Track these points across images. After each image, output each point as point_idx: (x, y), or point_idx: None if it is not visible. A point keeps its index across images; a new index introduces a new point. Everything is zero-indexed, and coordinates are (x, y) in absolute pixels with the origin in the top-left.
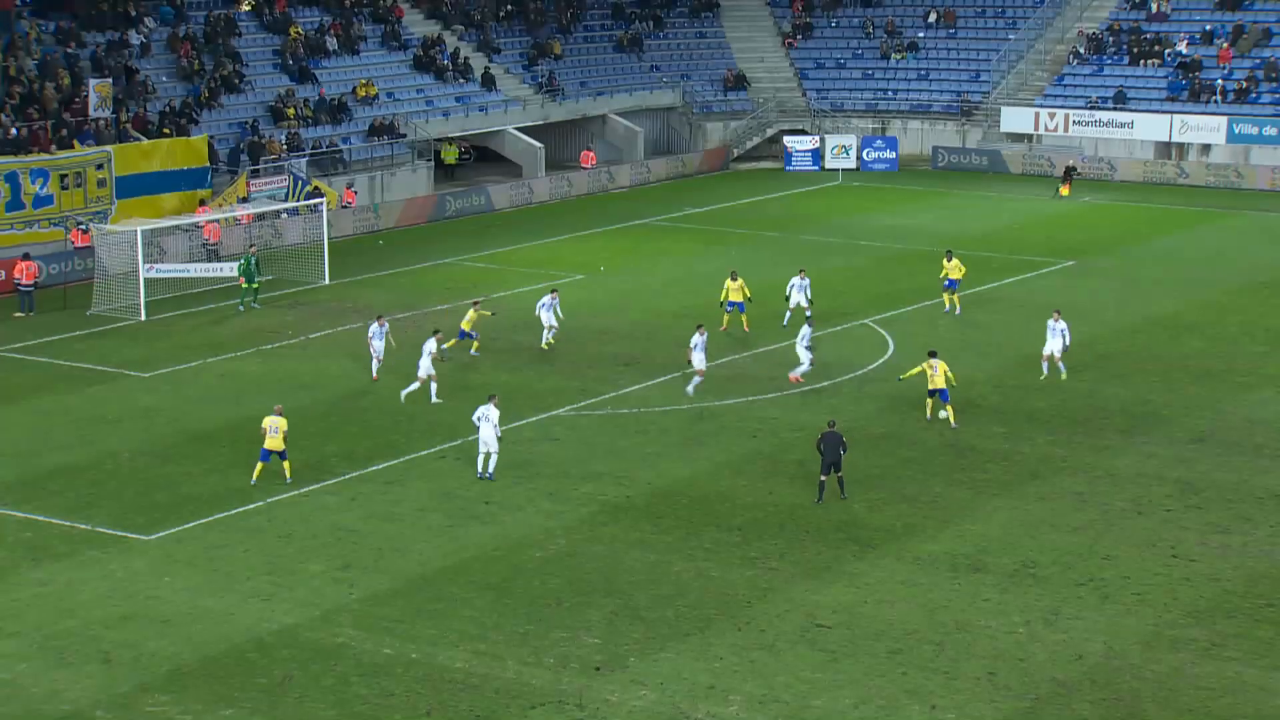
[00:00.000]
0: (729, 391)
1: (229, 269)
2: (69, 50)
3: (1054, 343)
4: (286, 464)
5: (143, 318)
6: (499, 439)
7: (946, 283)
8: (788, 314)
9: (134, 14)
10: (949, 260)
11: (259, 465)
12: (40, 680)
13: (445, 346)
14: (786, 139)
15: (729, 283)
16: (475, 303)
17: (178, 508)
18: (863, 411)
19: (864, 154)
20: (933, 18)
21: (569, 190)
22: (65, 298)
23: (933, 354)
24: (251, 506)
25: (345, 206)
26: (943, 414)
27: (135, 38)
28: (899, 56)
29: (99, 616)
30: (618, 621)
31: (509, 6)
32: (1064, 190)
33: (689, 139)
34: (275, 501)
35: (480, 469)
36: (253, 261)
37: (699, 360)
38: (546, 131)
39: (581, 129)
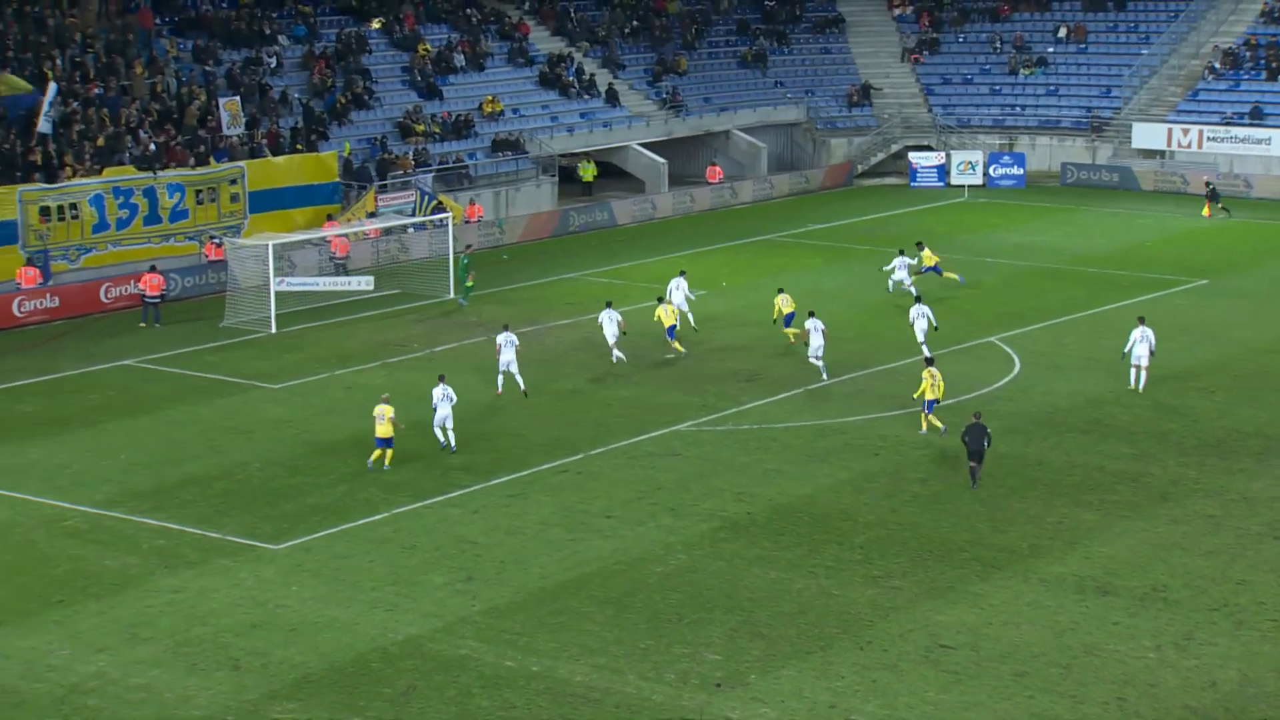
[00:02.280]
0: (851, 409)
1: (357, 282)
2: (206, 68)
3: (1141, 350)
4: (389, 453)
5: (273, 330)
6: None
7: (925, 269)
8: (892, 283)
9: (268, 32)
10: (921, 250)
11: (376, 451)
12: (173, 686)
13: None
14: (911, 155)
15: (779, 298)
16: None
17: (305, 518)
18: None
19: (991, 170)
20: (1063, 33)
21: (691, 206)
22: (199, 310)
23: (930, 361)
24: (377, 518)
25: (468, 222)
26: (936, 424)
27: (268, 56)
28: (1028, 72)
29: (229, 624)
30: (738, 638)
31: (634, 23)
32: (1206, 211)
33: (812, 155)
34: (400, 513)
35: (443, 442)
36: (464, 262)
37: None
38: (670, 147)
39: (705, 145)
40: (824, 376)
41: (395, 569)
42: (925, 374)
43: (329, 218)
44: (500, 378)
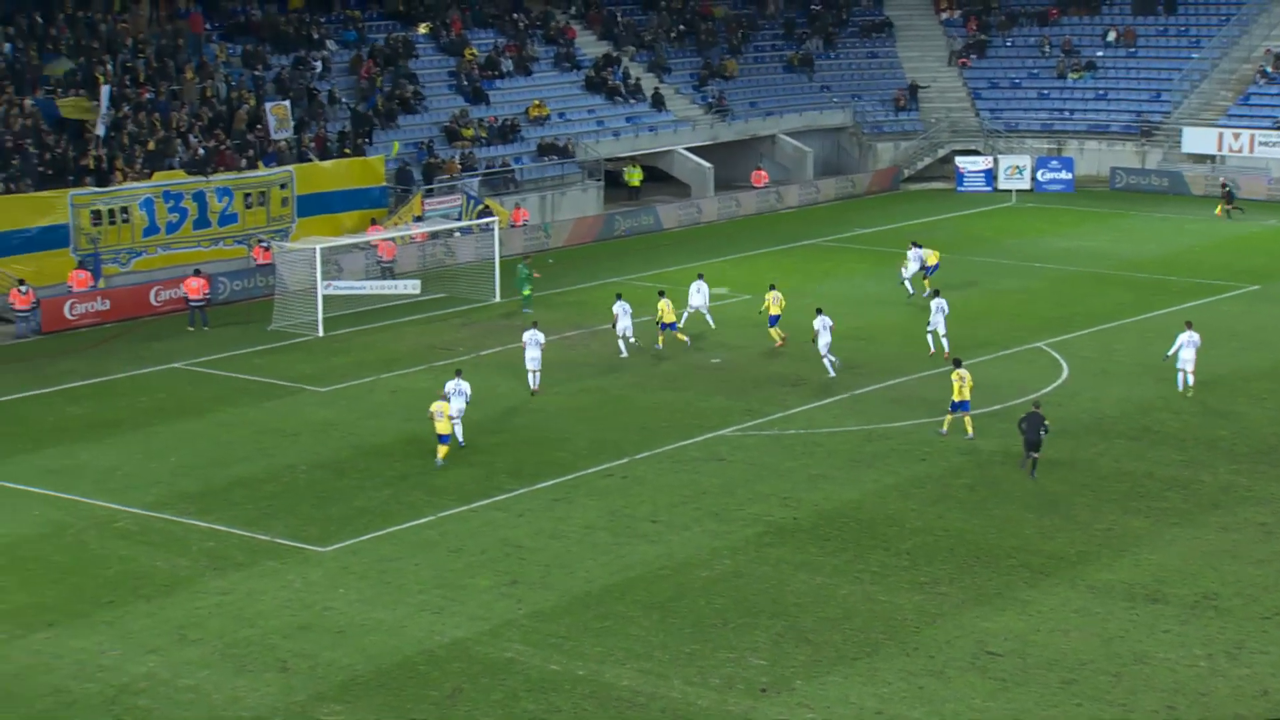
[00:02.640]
0: (897, 413)
1: (404, 286)
2: (255, 73)
3: (1188, 354)
4: (445, 449)
5: (320, 334)
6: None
7: (927, 270)
8: (908, 285)
9: (317, 36)
10: (917, 248)
11: (441, 448)
12: (221, 687)
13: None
14: (959, 159)
15: (769, 295)
16: (661, 293)
17: (352, 520)
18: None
19: (1039, 175)
20: (1112, 36)
21: (737, 210)
22: (247, 313)
23: (958, 362)
24: (423, 521)
25: (514, 226)
26: (964, 430)
27: (316, 60)
28: (1076, 76)
29: (277, 626)
30: (784, 643)
31: (680, 27)
32: (1219, 210)
33: (859, 159)
34: (445, 516)
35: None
36: (525, 273)
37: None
38: (715, 152)
39: (750, 149)
40: (832, 373)
41: (441, 572)
42: (954, 376)
43: (373, 222)
44: (530, 376)
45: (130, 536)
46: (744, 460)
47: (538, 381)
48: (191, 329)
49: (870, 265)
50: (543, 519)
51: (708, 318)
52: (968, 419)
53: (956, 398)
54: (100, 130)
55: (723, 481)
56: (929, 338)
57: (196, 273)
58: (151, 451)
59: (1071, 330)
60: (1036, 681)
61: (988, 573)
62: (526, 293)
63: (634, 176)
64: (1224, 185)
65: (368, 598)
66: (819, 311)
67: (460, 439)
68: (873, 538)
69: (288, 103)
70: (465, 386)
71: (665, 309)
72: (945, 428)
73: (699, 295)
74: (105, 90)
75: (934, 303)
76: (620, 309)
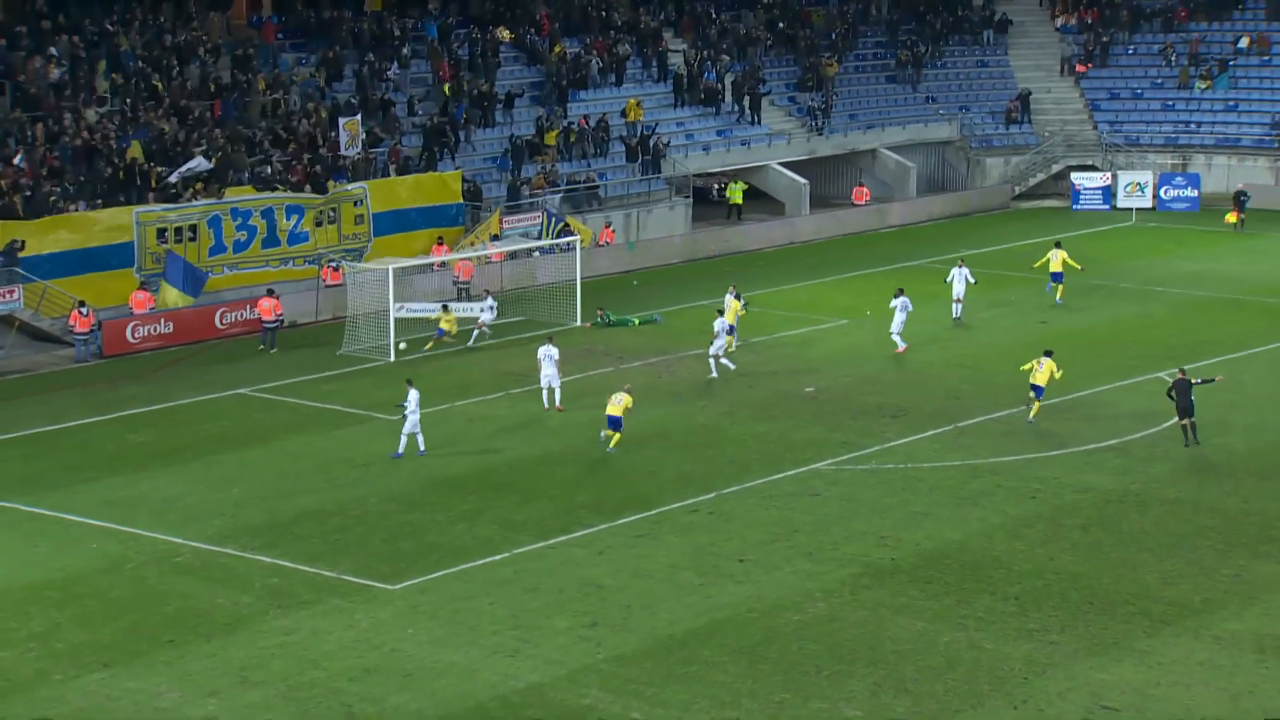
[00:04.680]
0: (1005, 448)
1: (479, 309)
2: (327, 86)
3: None
4: (617, 435)
5: (392, 359)
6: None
7: (1053, 275)
8: (956, 306)
9: (395, 38)
10: (1056, 248)
11: (614, 435)
12: None
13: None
14: (1074, 176)
15: (732, 302)
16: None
17: (423, 556)
18: (1155, 473)
19: (1162, 192)
20: (1244, 43)
21: (835, 229)
22: (317, 337)
23: (1048, 353)
24: (498, 558)
25: (602, 245)
26: (1031, 414)
27: (394, 69)
28: (1204, 85)
29: (342, 668)
30: (881, 693)
31: (780, 27)
32: (1230, 218)
33: (966, 175)
34: (521, 553)
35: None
36: (607, 319)
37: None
38: (811, 167)
39: (849, 164)
40: (726, 368)
41: (516, 612)
42: (1038, 361)
43: (439, 241)
44: (545, 395)
45: (191, 572)
46: (839, 496)
47: (559, 399)
48: (262, 349)
49: (977, 289)
50: (624, 557)
51: (733, 335)
52: (1036, 404)
53: (1033, 380)
54: (174, 177)
55: (816, 519)
56: (895, 338)
57: (270, 292)
58: (214, 482)
59: (1197, 359)
60: None
61: (1103, 620)
62: (637, 321)
63: (736, 193)
64: (1239, 194)
65: (438, 639)
66: (900, 292)
67: (420, 448)
68: (978, 581)
69: (358, 117)
70: (414, 397)
71: (733, 307)
72: (1033, 415)
73: (728, 312)
74: (198, 161)
75: (897, 301)
76: (720, 326)
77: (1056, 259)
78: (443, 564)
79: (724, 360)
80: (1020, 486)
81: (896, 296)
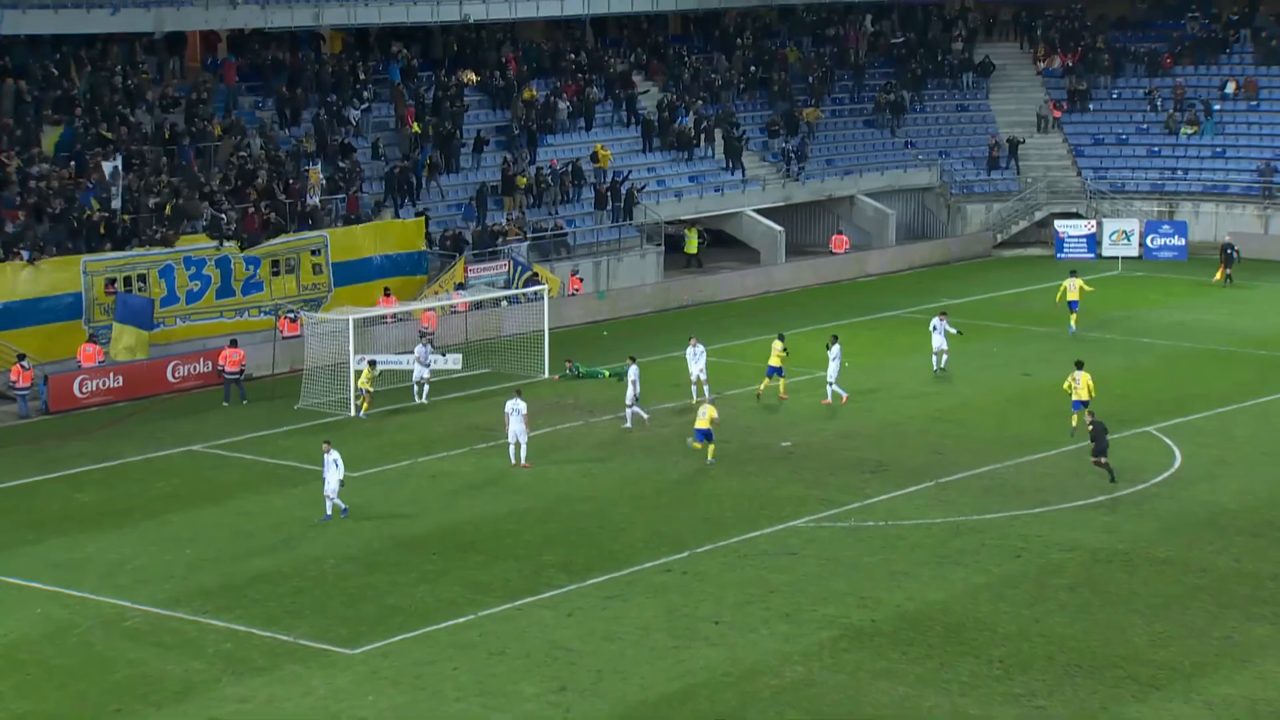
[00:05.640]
0: (989, 504)
1: (444, 361)
2: (286, 130)
3: None
4: (711, 446)
5: (352, 413)
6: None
7: (1069, 304)
8: (938, 359)
9: (359, 79)
10: (1072, 276)
11: (708, 446)
12: None
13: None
14: (1058, 223)
15: (775, 344)
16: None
17: (384, 620)
18: (1144, 531)
19: (1148, 240)
20: (1231, 88)
21: (812, 278)
22: (272, 390)
23: (1079, 365)
24: (462, 620)
25: (574, 294)
26: (1074, 424)
27: (354, 112)
28: (1191, 131)
29: None
30: None
31: (752, 69)
32: (1218, 275)
33: (946, 222)
34: (487, 615)
35: (328, 512)
36: (575, 370)
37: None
38: (787, 214)
39: (826, 211)
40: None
41: (481, 678)
42: (1073, 377)
43: (385, 292)
44: (511, 450)
45: (140, 637)
46: (818, 555)
47: (525, 455)
48: (227, 404)
49: (959, 340)
50: (594, 619)
51: (705, 387)
52: (1075, 415)
53: (1075, 397)
54: (116, 203)
55: (794, 579)
56: (828, 389)
57: (233, 343)
58: (165, 543)
59: (1186, 413)
60: None
61: (1091, 684)
62: (607, 373)
63: (691, 242)
64: (1226, 247)
65: (400, 706)
66: (834, 340)
67: (342, 509)
68: (961, 644)
69: (318, 166)
70: (339, 458)
71: (777, 351)
72: (1075, 424)
73: (695, 363)
74: (108, 166)
75: (833, 350)
76: (634, 374)
77: (1074, 288)
78: (404, 627)
79: (639, 410)
80: (1004, 545)
81: (832, 345)
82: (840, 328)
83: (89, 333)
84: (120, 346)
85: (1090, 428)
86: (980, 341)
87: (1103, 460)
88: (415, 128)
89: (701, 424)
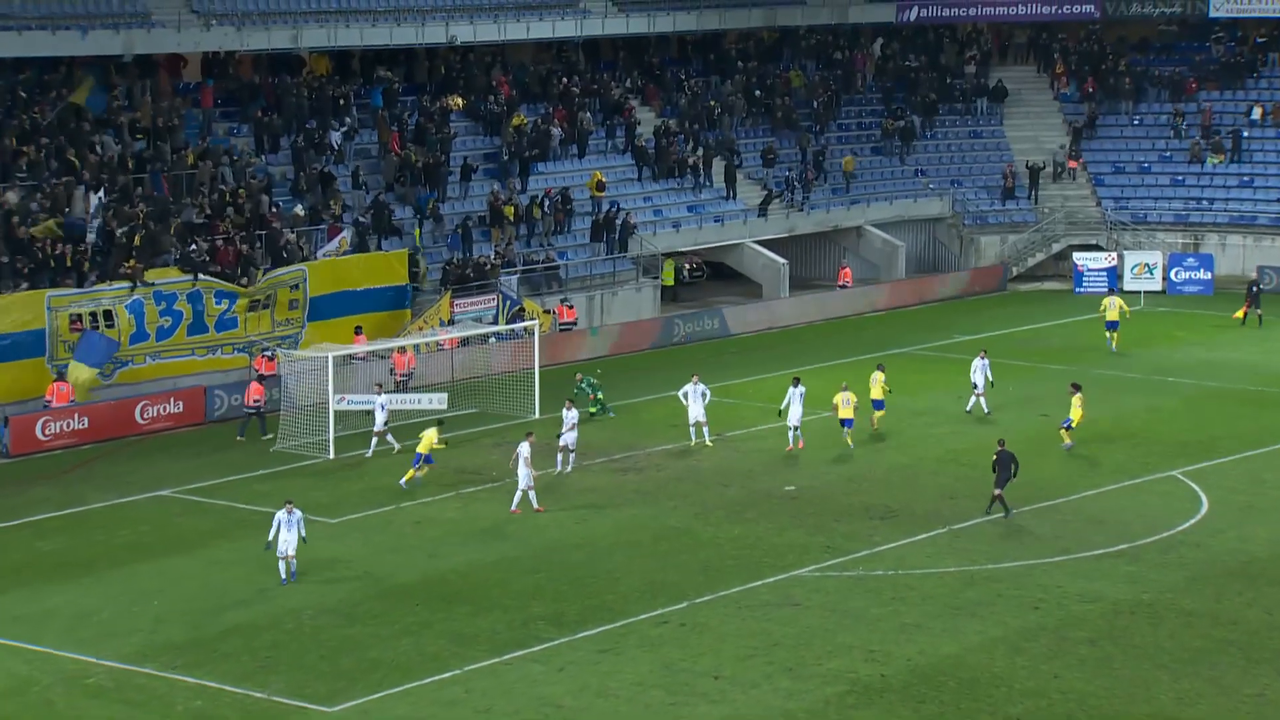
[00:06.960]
0: (1005, 552)
1: (428, 401)
2: (263, 157)
3: None
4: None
5: (331, 455)
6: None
7: (1107, 324)
8: (972, 399)
9: (342, 102)
10: (1112, 295)
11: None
12: None
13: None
14: (1076, 256)
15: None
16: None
17: (364, 675)
18: (1170, 581)
19: (1172, 274)
20: (1258, 114)
21: (817, 313)
22: (249, 431)
23: (1076, 387)
24: (447, 675)
25: (565, 328)
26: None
27: (335, 137)
28: (1216, 160)
29: None
30: None
31: (756, 92)
32: (1240, 314)
33: (959, 255)
34: (474, 670)
35: (284, 575)
36: (587, 385)
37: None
38: (791, 245)
39: (832, 243)
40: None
41: None
42: (1076, 399)
43: (356, 331)
44: (518, 495)
45: (104, 695)
46: (823, 606)
47: (535, 499)
48: (241, 438)
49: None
50: (587, 674)
51: (705, 430)
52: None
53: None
54: (92, 236)
55: (798, 631)
56: (795, 433)
57: (260, 377)
58: (132, 594)
59: (1212, 457)
60: None
61: None
62: (593, 410)
63: (668, 274)
64: (1252, 285)
65: None
66: (796, 381)
67: (293, 574)
68: (975, 700)
69: (348, 234)
70: (299, 518)
71: (842, 403)
72: (1068, 440)
73: (696, 404)
74: (93, 200)
75: (794, 392)
76: (569, 416)
77: (1114, 307)
78: (386, 683)
79: (571, 452)
80: (1021, 596)
81: (794, 386)
82: (846, 366)
83: (54, 373)
84: (79, 378)
85: (995, 456)
86: (996, 380)
87: (998, 493)
88: (401, 154)
89: (845, 413)
